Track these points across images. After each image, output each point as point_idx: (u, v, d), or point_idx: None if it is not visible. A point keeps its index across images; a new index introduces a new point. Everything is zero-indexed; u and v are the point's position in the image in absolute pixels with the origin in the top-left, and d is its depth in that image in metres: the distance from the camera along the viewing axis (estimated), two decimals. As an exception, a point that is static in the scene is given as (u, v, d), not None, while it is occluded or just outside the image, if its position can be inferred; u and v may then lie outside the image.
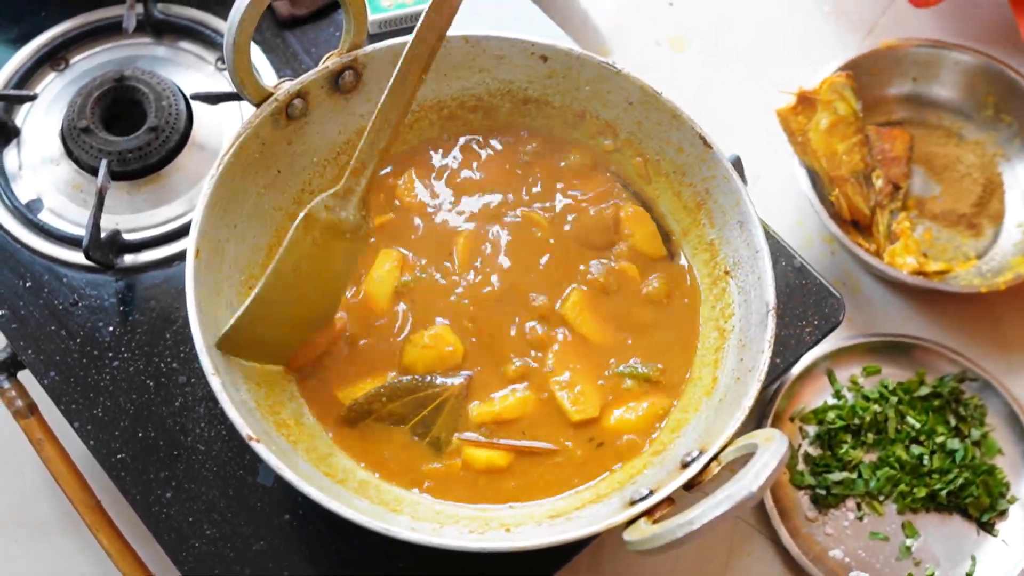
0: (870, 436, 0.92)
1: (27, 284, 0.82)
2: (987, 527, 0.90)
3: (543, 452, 0.71)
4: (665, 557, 0.89)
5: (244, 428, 0.62)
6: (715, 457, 0.62)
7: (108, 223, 0.84)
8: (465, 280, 0.76)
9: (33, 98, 0.90)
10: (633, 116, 0.78)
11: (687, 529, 0.54)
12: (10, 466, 0.91)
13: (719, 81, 1.14)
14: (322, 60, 0.75)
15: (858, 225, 1.02)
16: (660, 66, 1.15)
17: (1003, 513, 0.91)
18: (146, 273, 0.83)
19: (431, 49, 0.67)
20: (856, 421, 0.93)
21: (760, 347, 0.66)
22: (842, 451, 0.92)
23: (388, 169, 0.81)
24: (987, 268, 1.00)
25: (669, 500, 0.61)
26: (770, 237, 0.81)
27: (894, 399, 0.94)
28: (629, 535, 0.59)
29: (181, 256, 0.83)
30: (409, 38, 0.67)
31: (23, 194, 0.86)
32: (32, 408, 0.81)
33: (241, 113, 0.91)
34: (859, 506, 0.91)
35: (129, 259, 0.83)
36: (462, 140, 0.82)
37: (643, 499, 0.61)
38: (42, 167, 0.87)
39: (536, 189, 0.80)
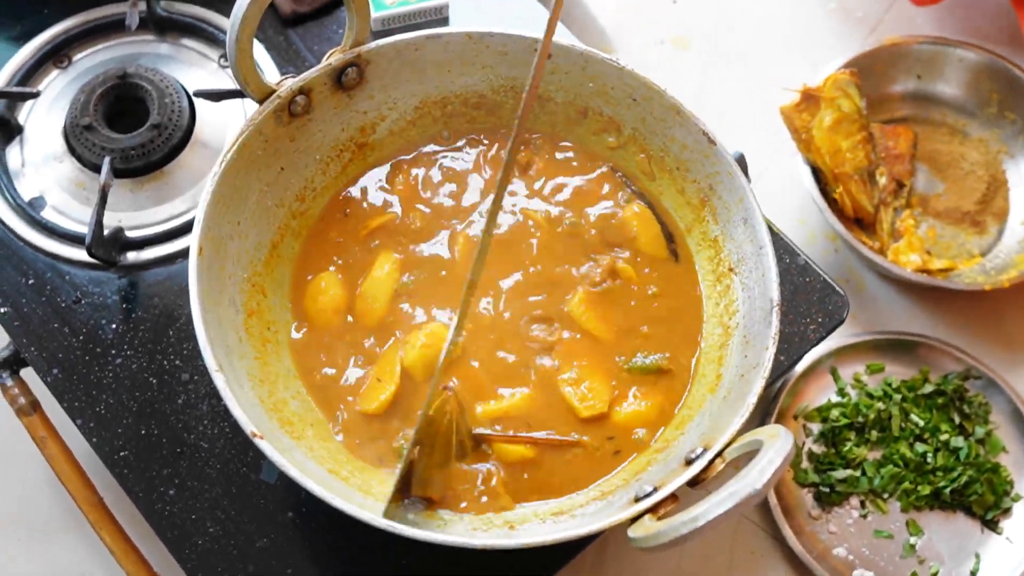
0: (874, 434, 0.92)
1: (30, 281, 0.82)
2: (991, 525, 0.90)
3: (567, 444, 0.70)
4: (669, 554, 0.89)
5: (248, 425, 0.61)
6: (719, 454, 0.62)
7: (111, 220, 0.84)
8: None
9: (36, 95, 0.90)
10: (637, 113, 0.78)
11: (691, 526, 0.54)
12: (13, 464, 0.91)
13: (722, 79, 1.14)
14: (325, 57, 0.74)
15: (862, 222, 1.02)
16: (663, 64, 1.15)
17: (1007, 511, 0.90)
18: (149, 270, 0.83)
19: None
20: (860, 419, 0.93)
21: (764, 344, 0.66)
22: (846, 449, 0.92)
23: (386, 168, 0.80)
24: (991, 265, 1.00)
25: (673, 497, 0.61)
26: (774, 234, 0.81)
27: (898, 397, 0.94)
28: (633, 532, 0.58)
29: (184, 253, 0.83)
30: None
31: (26, 192, 0.86)
32: (35, 405, 0.80)
33: (244, 110, 0.91)
34: (863, 504, 0.91)
35: (132, 256, 0.83)
36: (462, 139, 0.82)
37: (647, 496, 0.61)
38: (45, 165, 0.87)
39: (537, 186, 0.80)
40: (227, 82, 0.91)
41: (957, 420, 0.93)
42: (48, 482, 0.89)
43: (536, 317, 0.75)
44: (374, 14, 0.93)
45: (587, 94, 0.79)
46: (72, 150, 0.87)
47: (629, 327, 0.75)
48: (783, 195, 1.07)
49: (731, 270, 0.74)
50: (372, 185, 0.80)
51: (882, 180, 1.02)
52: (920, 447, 0.92)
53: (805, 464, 0.92)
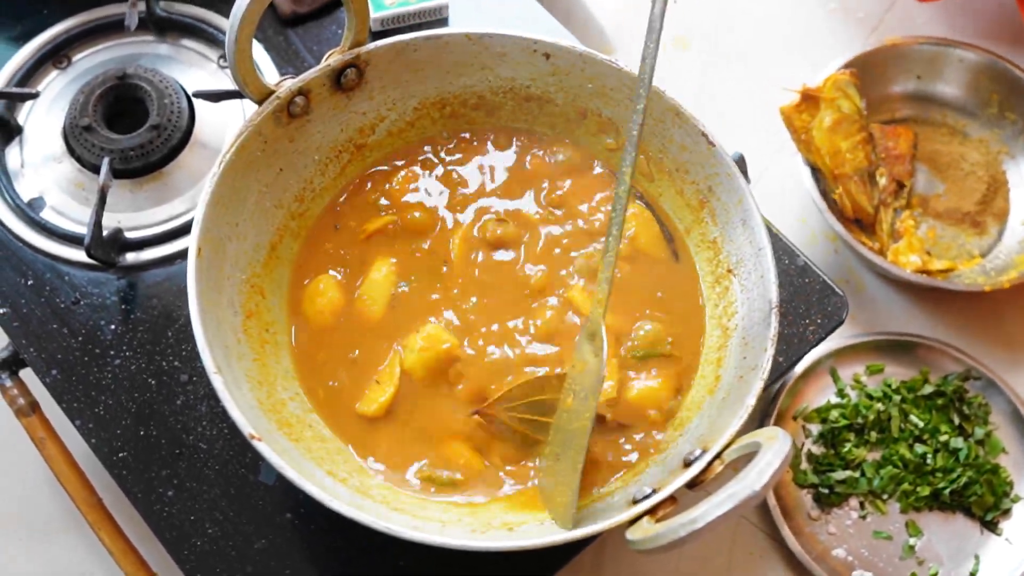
0: (873, 435, 0.92)
1: (29, 282, 0.82)
2: (991, 526, 0.90)
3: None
4: (668, 556, 0.89)
5: (246, 427, 0.61)
6: (718, 456, 0.61)
7: (110, 221, 0.84)
8: (462, 279, 0.75)
9: (35, 96, 0.90)
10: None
11: (690, 528, 0.54)
12: (12, 464, 0.91)
13: (722, 80, 1.14)
14: (324, 58, 0.74)
15: (861, 223, 1.02)
16: (663, 65, 1.14)
17: (1007, 512, 0.90)
18: (148, 271, 0.83)
19: None
20: (859, 420, 0.93)
21: (763, 345, 0.66)
22: (845, 450, 0.92)
23: (385, 170, 0.80)
24: (991, 266, 1.00)
25: (672, 499, 0.61)
26: (773, 235, 0.81)
27: (897, 398, 0.94)
28: (632, 534, 0.58)
29: (183, 254, 0.83)
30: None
31: (25, 192, 0.86)
32: (34, 406, 0.80)
33: (243, 111, 0.90)
34: (862, 505, 0.90)
35: (131, 257, 0.83)
36: (462, 140, 0.82)
37: (646, 498, 0.61)
38: (44, 165, 0.87)
39: (537, 184, 0.80)
40: (227, 83, 0.91)
41: (957, 421, 0.93)
42: (48, 482, 0.89)
43: (534, 311, 0.75)
44: (373, 15, 0.93)
45: (586, 95, 0.79)
46: (71, 151, 0.87)
47: (630, 318, 0.75)
48: (783, 196, 1.06)
49: (730, 271, 0.74)
50: (370, 187, 0.80)
51: (882, 181, 1.02)
52: (920, 448, 0.91)
53: (804, 465, 0.92)
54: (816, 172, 1.01)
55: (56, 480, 0.79)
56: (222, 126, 0.89)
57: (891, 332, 0.98)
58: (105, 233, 0.81)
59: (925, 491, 0.90)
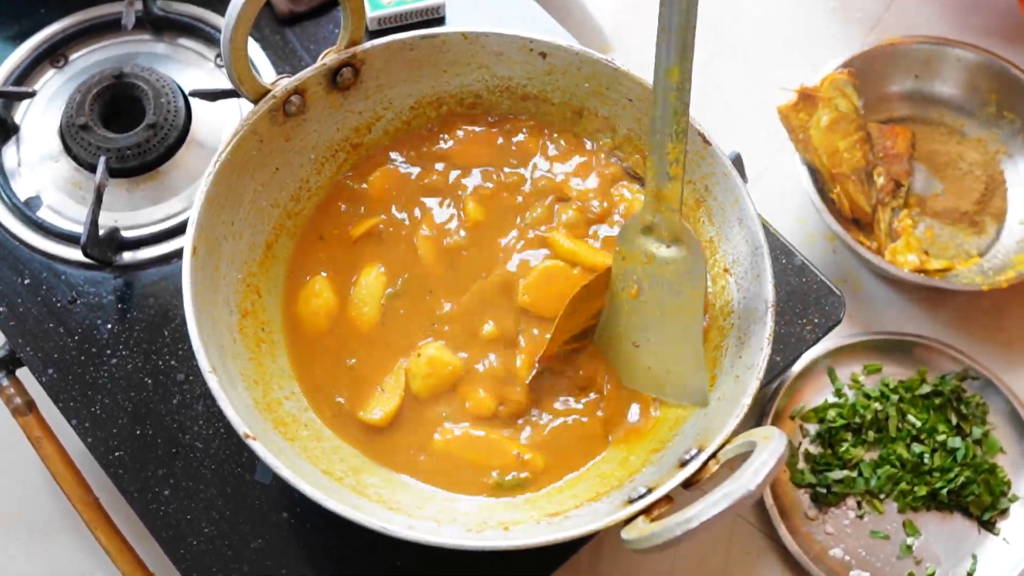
0: (871, 434, 0.92)
1: (25, 281, 0.82)
2: (988, 526, 0.90)
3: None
4: (664, 555, 0.89)
5: (241, 426, 0.61)
6: (714, 455, 0.61)
7: (106, 220, 0.84)
8: (456, 280, 0.75)
9: (32, 95, 0.90)
10: (632, 113, 0.77)
11: (685, 527, 0.54)
12: (11, 465, 0.91)
13: (721, 79, 1.14)
14: (320, 57, 0.74)
15: (859, 223, 1.02)
16: (661, 63, 1.14)
17: (1004, 512, 0.90)
18: (144, 270, 0.83)
19: None
20: (857, 419, 0.93)
21: (759, 344, 0.66)
22: (843, 449, 0.92)
23: (376, 174, 0.80)
24: (989, 266, 1.00)
25: (667, 498, 0.61)
26: (770, 235, 0.81)
27: (895, 397, 0.94)
28: (627, 534, 0.58)
29: (180, 253, 0.82)
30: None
31: (22, 191, 0.86)
32: (30, 405, 0.80)
33: (240, 110, 0.90)
34: (860, 504, 0.90)
35: (128, 256, 0.83)
36: (457, 140, 0.82)
37: (641, 497, 0.61)
38: (41, 164, 0.87)
39: (536, 185, 0.80)
40: (223, 82, 0.91)
41: (954, 421, 0.93)
42: (47, 482, 0.89)
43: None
44: (370, 14, 0.93)
45: (583, 94, 0.79)
46: (68, 150, 0.87)
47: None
48: (782, 195, 1.06)
49: (726, 271, 0.74)
50: (359, 187, 0.79)
51: (880, 180, 1.02)
52: (917, 448, 0.91)
53: (802, 465, 0.92)
54: (814, 172, 1.01)
55: (52, 479, 0.79)
56: (219, 125, 0.89)
57: (889, 332, 0.98)
58: (101, 232, 0.81)
59: (922, 491, 0.90)
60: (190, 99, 0.89)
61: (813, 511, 0.90)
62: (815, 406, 0.94)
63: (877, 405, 0.93)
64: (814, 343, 0.82)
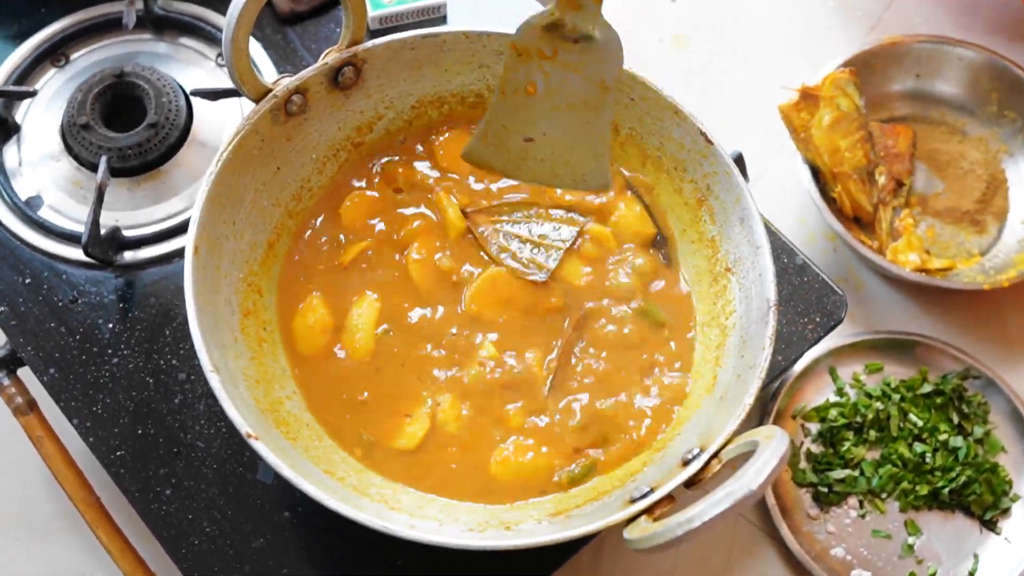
0: (872, 434, 0.92)
1: (27, 281, 0.82)
2: (990, 525, 0.90)
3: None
4: (666, 555, 0.89)
5: (243, 425, 0.61)
6: (716, 455, 0.61)
7: (108, 220, 0.84)
8: (452, 310, 0.75)
9: (33, 94, 0.90)
10: (634, 113, 0.77)
11: (687, 527, 0.54)
12: (11, 464, 0.91)
13: (722, 79, 1.14)
14: (321, 56, 0.74)
15: (860, 222, 1.02)
16: (662, 63, 1.15)
17: (1006, 511, 0.90)
18: (146, 270, 0.83)
19: None
20: (858, 419, 0.93)
21: (761, 344, 0.66)
22: (844, 449, 0.92)
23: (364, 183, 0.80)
24: (990, 265, 1.00)
25: (669, 498, 0.61)
26: (772, 234, 0.81)
27: (896, 396, 0.94)
28: (629, 533, 0.58)
29: (181, 253, 0.83)
30: None
31: (23, 191, 0.86)
32: (32, 405, 0.80)
33: (242, 109, 0.90)
34: (861, 504, 0.90)
35: (129, 256, 0.83)
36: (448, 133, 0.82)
37: (643, 497, 0.61)
38: (42, 164, 0.87)
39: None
40: (225, 81, 0.91)
41: (956, 420, 0.93)
42: (47, 482, 0.89)
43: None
44: (371, 13, 0.93)
45: (584, 93, 0.79)
46: (69, 149, 0.87)
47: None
48: (783, 195, 1.06)
49: (728, 270, 0.74)
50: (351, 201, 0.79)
51: (881, 179, 1.02)
52: (919, 447, 0.91)
53: (803, 464, 0.92)
54: (815, 171, 1.01)
55: (54, 479, 0.79)
56: (220, 124, 0.89)
57: (890, 331, 0.98)
58: (103, 232, 0.81)
59: (924, 490, 0.90)
60: (191, 98, 0.89)
61: (815, 510, 0.90)
62: (816, 405, 0.94)
63: (879, 404, 0.93)
64: (815, 342, 0.82)
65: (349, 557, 0.73)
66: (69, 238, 0.83)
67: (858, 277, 1.03)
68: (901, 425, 0.93)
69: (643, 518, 0.59)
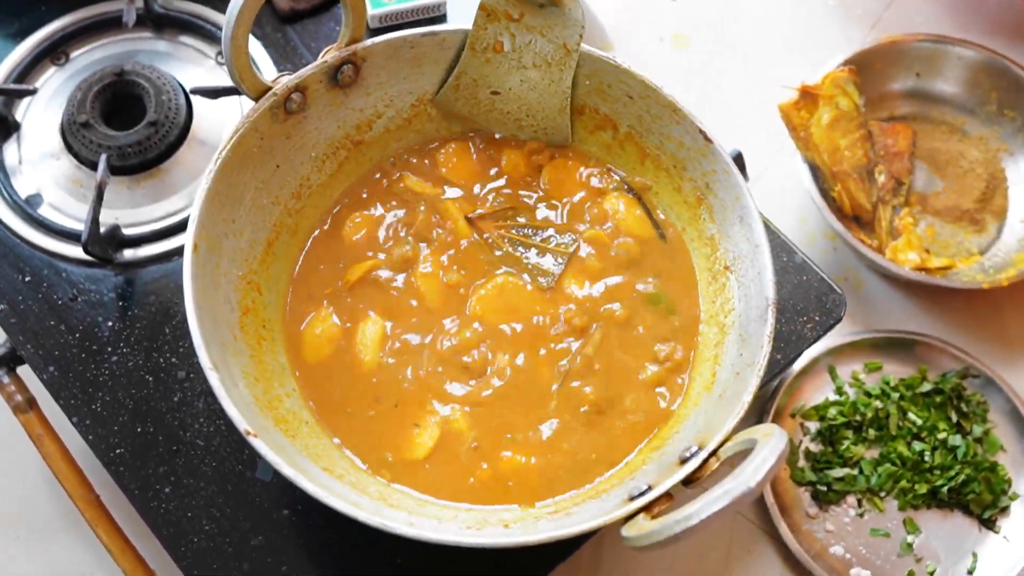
0: (871, 432, 0.92)
1: (26, 279, 0.82)
2: (989, 524, 0.90)
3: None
4: (665, 553, 0.89)
5: (242, 423, 0.61)
6: (714, 453, 0.61)
7: (107, 218, 0.84)
8: (453, 330, 0.75)
9: (33, 92, 0.90)
10: (633, 111, 0.77)
11: (685, 525, 0.54)
12: (11, 464, 0.91)
13: (722, 78, 1.14)
14: (321, 54, 0.74)
15: (860, 221, 1.02)
16: (662, 62, 1.15)
17: (1005, 510, 0.90)
18: (145, 268, 0.83)
19: None
20: (857, 417, 0.93)
21: (760, 342, 0.66)
22: (843, 447, 0.92)
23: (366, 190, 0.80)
24: (990, 264, 1.00)
25: (668, 496, 0.61)
26: (771, 233, 0.81)
27: (896, 395, 0.94)
28: (627, 531, 0.58)
29: (181, 251, 0.83)
30: None
31: (23, 189, 0.86)
32: (31, 403, 0.80)
33: (241, 108, 0.91)
34: (860, 502, 0.90)
35: (128, 254, 0.83)
36: (452, 145, 0.82)
37: (641, 495, 0.61)
38: (42, 162, 0.87)
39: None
40: (224, 79, 0.91)
41: (955, 419, 0.93)
42: (47, 481, 0.89)
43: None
44: (371, 11, 0.93)
45: (583, 92, 0.79)
46: (69, 147, 0.87)
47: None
48: (783, 194, 1.06)
49: (727, 268, 0.74)
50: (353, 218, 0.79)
51: (881, 178, 1.02)
52: (918, 446, 0.91)
53: (802, 463, 0.92)
54: (815, 170, 1.01)
55: (53, 477, 0.79)
56: (220, 123, 0.89)
57: (889, 330, 0.98)
58: (103, 230, 0.81)
59: (923, 489, 0.90)
60: (191, 96, 0.89)
61: (813, 509, 0.90)
62: (816, 404, 0.94)
63: (878, 403, 0.93)
64: (815, 341, 0.82)
65: (348, 554, 0.73)
66: (69, 236, 0.83)
67: (857, 276, 1.03)
68: (900, 424, 0.93)
69: (641, 516, 0.59)
